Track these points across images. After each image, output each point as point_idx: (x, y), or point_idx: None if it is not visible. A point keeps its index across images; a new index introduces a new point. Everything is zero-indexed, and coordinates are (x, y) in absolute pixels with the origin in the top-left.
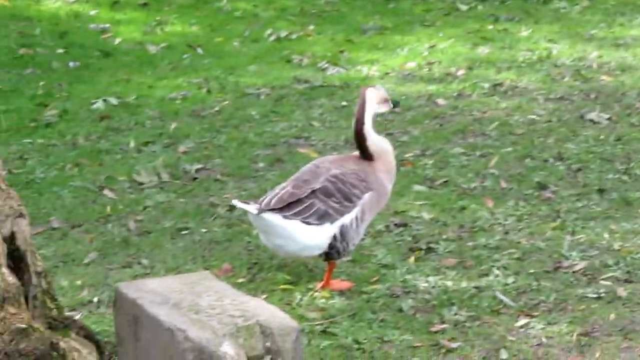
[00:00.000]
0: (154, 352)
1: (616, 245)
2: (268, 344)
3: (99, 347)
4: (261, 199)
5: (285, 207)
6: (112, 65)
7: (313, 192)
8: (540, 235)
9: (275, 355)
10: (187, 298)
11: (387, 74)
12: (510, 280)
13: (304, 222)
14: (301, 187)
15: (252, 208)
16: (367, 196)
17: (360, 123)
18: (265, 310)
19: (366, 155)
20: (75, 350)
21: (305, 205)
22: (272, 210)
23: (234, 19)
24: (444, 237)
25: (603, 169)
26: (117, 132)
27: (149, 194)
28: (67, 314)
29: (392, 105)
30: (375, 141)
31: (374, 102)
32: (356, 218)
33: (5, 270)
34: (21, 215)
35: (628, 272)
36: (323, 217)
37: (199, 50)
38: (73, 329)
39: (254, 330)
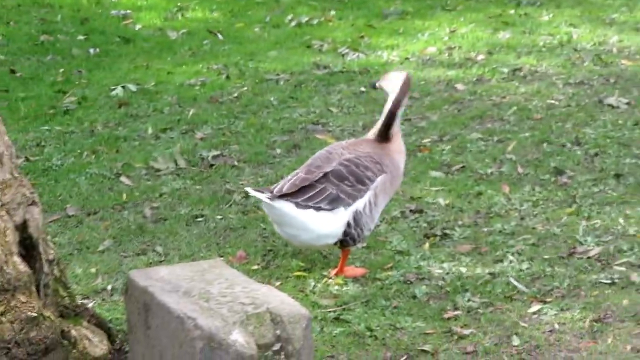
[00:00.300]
0: (164, 340)
1: (631, 231)
2: (278, 331)
3: (110, 335)
4: (273, 186)
5: (297, 193)
6: (132, 52)
7: (325, 175)
8: (556, 221)
9: (285, 343)
10: (198, 286)
11: (407, 59)
12: (524, 266)
13: (315, 207)
14: (313, 172)
15: (264, 196)
16: (380, 179)
17: (399, 105)
18: (275, 298)
19: (386, 137)
20: (86, 338)
21: (317, 189)
22: (284, 196)
23: (255, 4)
24: (460, 223)
25: (620, 154)
26: (135, 119)
27: (165, 181)
28: (80, 302)
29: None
30: (397, 124)
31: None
32: (369, 202)
33: (16, 258)
34: (34, 203)
35: None
36: (335, 202)
37: (219, 36)
38: (85, 317)
39: (264, 318)
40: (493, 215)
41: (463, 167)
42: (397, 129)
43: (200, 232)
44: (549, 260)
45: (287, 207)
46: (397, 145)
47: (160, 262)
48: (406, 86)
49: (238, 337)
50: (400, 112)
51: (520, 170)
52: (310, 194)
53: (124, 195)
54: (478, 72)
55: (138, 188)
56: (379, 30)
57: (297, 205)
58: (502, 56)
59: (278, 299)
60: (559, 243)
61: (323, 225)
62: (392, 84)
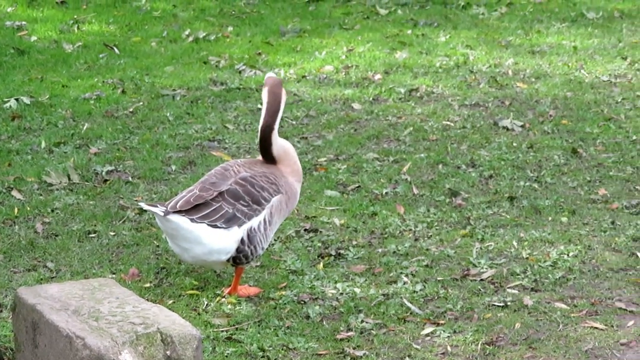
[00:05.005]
0: (52, 359)
1: (524, 254)
2: (168, 352)
3: None
4: (168, 201)
5: (192, 210)
6: (27, 64)
7: (220, 194)
8: (450, 243)
9: None
10: (88, 304)
11: (303, 77)
12: (418, 287)
13: (211, 225)
14: (208, 190)
15: (158, 210)
16: (276, 199)
17: (270, 129)
18: (166, 318)
19: (269, 159)
20: None
21: (212, 208)
22: (179, 212)
23: (152, 18)
24: (354, 243)
25: (514, 177)
26: (29, 132)
27: (58, 196)
28: None
29: None
30: (279, 145)
31: (284, 102)
32: (264, 221)
33: None
34: None
35: (535, 280)
36: (231, 221)
37: (116, 50)
38: None
39: (155, 338)
40: (387, 236)
41: (358, 187)
42: (283, 149)
43: (93, 248)
44: (443, 282)
45: (181, 221)
46: (290, 165)
47: (52, 278)
48: (276, 103)
49: (127, 358)
50: (274, 134)
51: (415, 191)
52: (206, 211)
53: (15, 210)
54: (375, 91)
55: (30, 203)
56: (277, 47)
57: (192, 220)
58: (398, 76)
59: (169, 319)
60: (453, 265)
61: (216, 240)
62: (264, 95)
